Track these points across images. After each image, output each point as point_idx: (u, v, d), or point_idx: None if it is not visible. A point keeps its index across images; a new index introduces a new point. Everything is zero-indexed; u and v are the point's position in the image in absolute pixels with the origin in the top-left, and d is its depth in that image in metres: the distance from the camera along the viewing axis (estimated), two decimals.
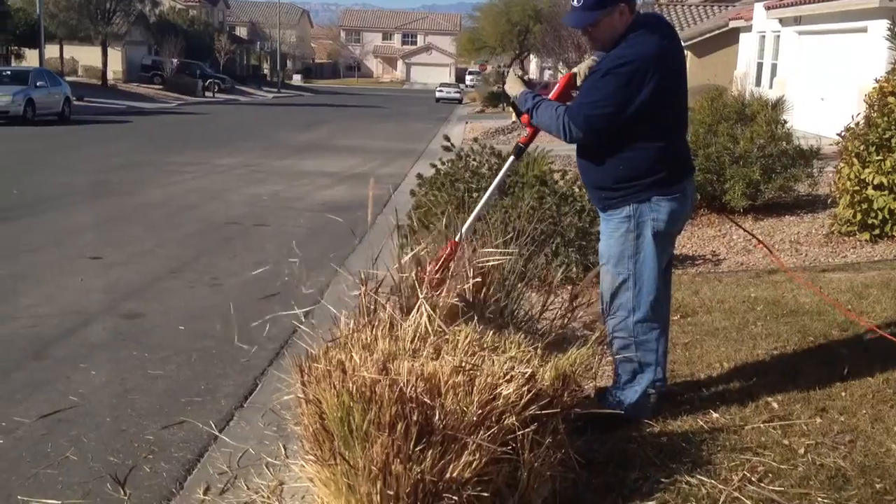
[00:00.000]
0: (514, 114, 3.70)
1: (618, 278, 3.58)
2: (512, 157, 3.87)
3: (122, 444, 3.92)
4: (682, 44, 3.69)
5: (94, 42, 42.92)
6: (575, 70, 3.76)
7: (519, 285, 4.58)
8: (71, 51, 45.44)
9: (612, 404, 3.65)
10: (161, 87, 47.56)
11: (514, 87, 3.69)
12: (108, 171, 14.24)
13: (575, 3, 3.49)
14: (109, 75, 44.94)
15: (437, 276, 3.52)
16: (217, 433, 4.02)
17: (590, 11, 3.44)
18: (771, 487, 3.08)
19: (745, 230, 4.30)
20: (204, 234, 9.18)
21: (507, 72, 3.70)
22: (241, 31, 78.03)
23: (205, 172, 14.70)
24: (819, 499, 3.00)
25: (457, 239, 3.73)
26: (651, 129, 3.42)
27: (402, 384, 2.86)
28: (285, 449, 3.78)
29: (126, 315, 6.04)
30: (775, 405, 3.76)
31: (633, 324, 3.60)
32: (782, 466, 3.21)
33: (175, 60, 49.73)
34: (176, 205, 11.11)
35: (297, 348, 3.88)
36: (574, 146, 3.64)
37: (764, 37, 23.60)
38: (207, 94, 49.03)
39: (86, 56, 46.07)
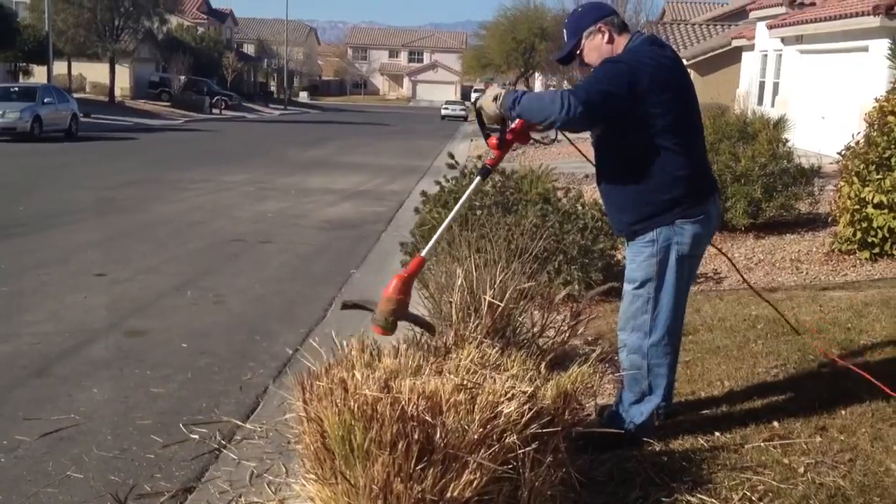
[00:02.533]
0: (483, 134, 3.62)
1: (637, 300, 3.58)
2: (478, 178, 3.80)
3: (124, 462, 3.93)
4: (686, 62, 3.75)
5: (102, 59, 43.15)
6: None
7: (521, 303, 4.61)
8: (79, 67, 45.70)
9: (616, 424, 3.65)
10: (168, 104, 47.80)
11: (491, 92, 3.56)
12: (114, 188, 14.31)
13: (564, 37, 3.62)
14: (117, 92, 45.17)
15: (399, 295, 3.42)
16: (219, 451, 4.03)
17: (571, 41, 3.59)
18: None
19: (714, 246, 4.33)
20: (209, 251, 9.22)
21: (482, 89, 3.62)
22: (249, 49, 78.42)
23: (211, 189, 14.77)
24: None
25: (423, 254, 3.70)
26: (668, 145, 3.40)
27: (403, 402, 2.88)
28: (286, 468, 3.79)
29: (129, 332, 6.07)
30: (775, 424, 3.77)
31: (648, 346, 3.60)
32: (782, 485, 3.21)
33: (182, 77, 49.98)
34: (181, 222, 11.16)
35: (299, 366, 3.89)
36: (592, 170, 3.65)
37: (766, 56, 23.68)
38: (214, 111, 49.28)
39: (94, 73, 46.33)
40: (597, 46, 3.54)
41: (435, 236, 3.87)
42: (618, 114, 3.36)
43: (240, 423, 4.41)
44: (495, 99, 3.48)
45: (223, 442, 4.16)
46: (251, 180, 16.43)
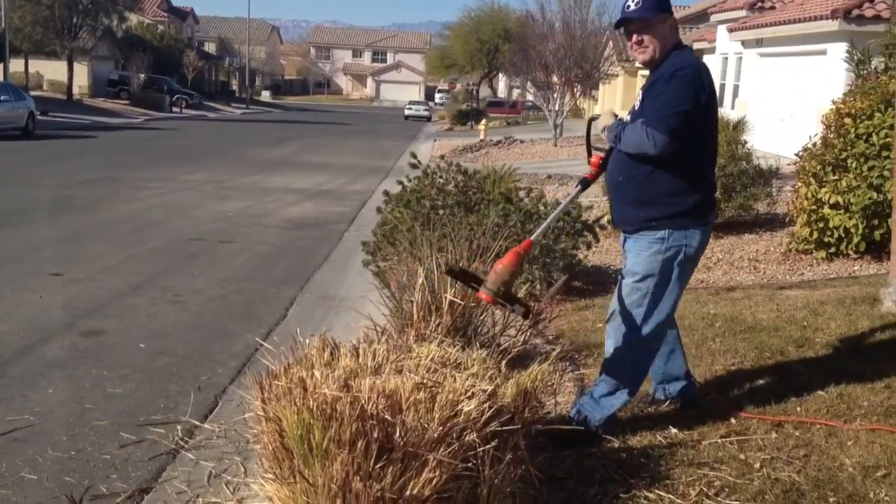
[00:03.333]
0: (587, 149, 3.89)
1: (635, 293, 3.62)
2: (578, 188, 3.96)
3: (79, 463, 3.87)
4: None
5: (61, 57, 42.50)
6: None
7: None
8: (36, 65, 44.97)
9: (581, 417, 3.68)
10: (128, 102, 47.20)
11: (605, 119, 3.73)
12: (72, 187, 14.11)
13: (632, 4, 3.58)
14: (75, 90, 44.52)
15: (512, 267, 3.51)
16: (176, 452, 3.99)
17: (650, 11, 3.55)
18: (727, 502, 3.12)
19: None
20: (168, 251, 9.12)
21: (598, 115, 3.79)
22: (210, 47, 77.78)
23: (171, 188, 14.62)
24: None
25: (532, 238, 3.78)
26: (696, 144, 3.51)
27: (363, 401, 2.86)
28: (245, 468, 3.76)
29: (85, 332, 5.98)
30: (732, 420, 3.81)
31: (636, 342, 3.63)
32: (738, 481, 3.25)
33: (142, 75, 49.40)
34: (140, 221, 11.03)
35: (259, 366, 3.86)
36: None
37: (727, 58, 23.97)
38: (175, 109, 48.76)
39: (51, 70, 45.61)
40: (664, 35, 3.58)
41: (543, 225, 4.10)
42: (690, 125, 3.45)
43: (198, 423, 4.36)
44: (604, 129, 3.67)
45: (181, 442, 4.11)
46: (211, 179, 16.28)
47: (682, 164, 3.50)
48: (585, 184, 3.91)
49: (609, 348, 3.73)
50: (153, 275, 7.91)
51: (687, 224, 3.55)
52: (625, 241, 3.74)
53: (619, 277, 3.74)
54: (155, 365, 5.32)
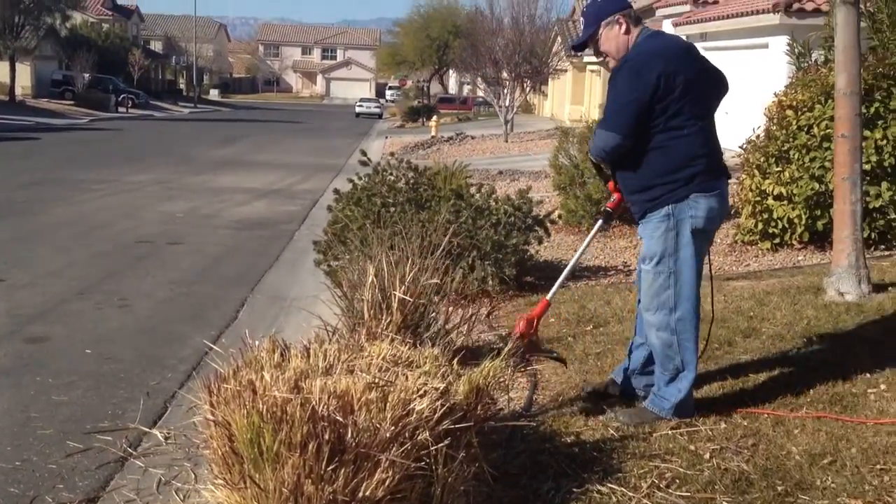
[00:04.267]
0: (602, 180, 4.04)
1: (659, 277, 3.67)
2: (599, 222, 4.05)
3: (24, 474, 3.78)
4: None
5: (3, 57, 41.57)
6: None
7: (434, 299, 4.61)
8: None
9: (659, 406, 3.75)
10: (72, 102, 46.31)
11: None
12: (14, 190, 13.80)
13: (580, 31, 3.85)
14: (18, 91, 43.55)
15: (532, 332, 3.94)
16: (125, 459, 3.92)
17: (588, 29, 3.80)
18: (678, 493, 3.15)
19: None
20: (114, 254, 8.96)
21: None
22: (157, 46, 76.61)
23: (116, 190, 14.38)
24: (724, 503, 3.08)
25: (548, 298, 4.06)
26: (682, 122, 3.58)
27: (314, 403, 2.84)
28: (195, 474, 3.70)
29: (30, 339, 5.85)
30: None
31: (676, 321, 3.67)
32: (689, 472, 3.28)
33: (87, 75, 48.50)
34: (85, 224, 10.83)
35: (208, 370, 3.81)
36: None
37: None
38: (121, 109, 47.97)
39: None
40: (614, 36, 3.74)
41: (559, 279, 4.24)
42: (647, 115, 3.55)
43: (146, 429, 4.29)
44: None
45: (129, 449, 4.04)
46: (159, 180, 16.05)
47: (671, 142, 3.59)
48: (607, 216, 4.02)
49: (651, 338, 3.77)
50: (99, 279, 7.77)
51: (687, 194, 3.60)
52: (641, 233, 3.85)
53: (637, 269, 3.87)
54: (102, 371, 5.22)
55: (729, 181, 3.88)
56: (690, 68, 3.65)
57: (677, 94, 3.55)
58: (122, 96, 49.69)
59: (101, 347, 5.69)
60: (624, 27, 3.73)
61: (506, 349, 3.72)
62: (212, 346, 4.56)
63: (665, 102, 3.54)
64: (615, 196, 3.91)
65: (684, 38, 21.82)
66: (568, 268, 4.22)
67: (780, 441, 3.52)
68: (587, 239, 4.21)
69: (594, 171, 4.04)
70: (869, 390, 3.98)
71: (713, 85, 3.81)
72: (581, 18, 3.99)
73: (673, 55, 3.65)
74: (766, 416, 3.76)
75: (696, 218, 3.61)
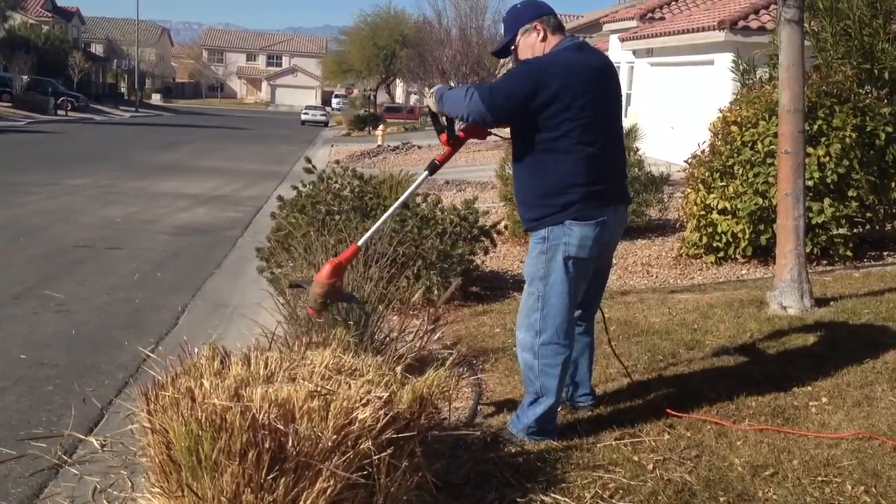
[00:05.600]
0: (436, 130, 3.79)
1: (529, 298, 3.64)
2: (425, 173, 3.85)
3: None
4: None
5: None
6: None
7: (380, 308, 4.56)
8: None
9: (515, 426, 3.70)
10: (10, 104, 45.18)
11: (435, 90, 3.73)
12: None
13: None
14: None
15: (330, 279, 3.59)
16: (59, 467, 3.80)
17: (507, 35, 3.76)
18: (622, 503, 3.15)
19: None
20: (51, 258, 8.73)
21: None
22: (98, 49, 75.24)
23: (54, 193, 14.04)
24: None
25: (359, 244, 3.81)
26: (568, 145, 3.47)
27: (254, 411, 2.77)
28: (132, 482, 3.60)
29: None
30: (626, 422, 3.85)
31: (539, 345, 3.61)
32: (632, 482, 3.28)
33: (25, 77, 47.42)
34: (21, 227, 10.54)
35: (147, 377, 3.71)
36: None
37: (619, 67, 24.54)
38: (60, 112, 46.94)
39: None
40: (531, 44, 3.67)
41: (373, 227, 4.01)
42: (521, 114, 3.47)
43: (82, 436, 4.16)
44: (432, 97, 3.68)
45: (64, 457, 3.91)
46: (98, 184, 15.72)
47: (552, 165, 3.50)
48: (433, 167, 3.82)
49: (518, 356, 3.74)
50: (34, 283, 7.55)
51: (563, 219, 3.51)
52: None
53: None
54: (36, 377, 5.07)
55: (627, 206, 3.82)
56: (595, 90, 3.52)
57: (570, 115, 3.44)
58: (61, 99, 48.66)
59: (37, 353, 5.53)
60: (541, 34, 3.65)
61: (450, 359, 3.69)
62: (149, 353, 4.46)
63: (554, 119, 3.44)
64: (446, 149, 3.76)
65: (631, 53, 22.18)
66: (387, 213, 4.06)
67: (722, 452, 3.54)
68: (411, 188, 4.10)
69: (430, 118, 3.89)
70: (811, 403, 4.03)
71: (615, 105, 3.72)
72: (501, 24, 3.93)
73: (580, 72, 3.50)
74: (709, 427, 3.78)
75: (569, 245, 3.52)
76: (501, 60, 30.64)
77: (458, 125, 3.73)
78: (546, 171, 3.52)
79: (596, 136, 3.53)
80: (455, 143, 3.74)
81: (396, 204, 4.09)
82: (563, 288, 3.56)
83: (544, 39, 3.65)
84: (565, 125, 3.44)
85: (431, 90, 3.74)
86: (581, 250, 3.54)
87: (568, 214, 3.50)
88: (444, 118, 3.70)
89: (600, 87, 3.58)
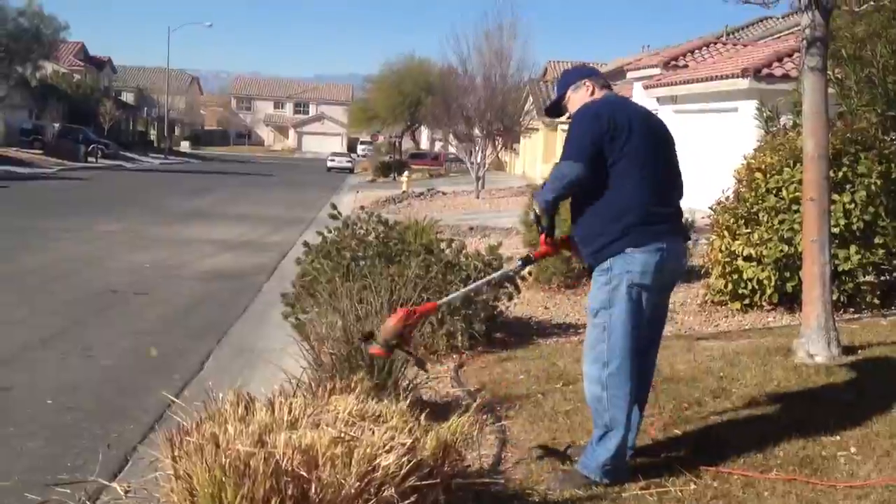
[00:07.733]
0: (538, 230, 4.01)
1: (595, 329, 3.68)
2: (520, 262, 4.15)
3: None
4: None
5: None
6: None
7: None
8: None
9: (586, 467, 3.69)
10: (42, 151, 45.95)
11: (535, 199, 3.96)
12: None
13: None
14: None
15: (400, 324, 3.75)
16: None
17: (558, 92, 4.05)
18: None
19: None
20: (79, 303, 8.83)
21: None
22: (129, 97, 76.56)
23: (84, 239, 14.22)
24: None
25: (438, 303, 4.16)
26: (624, 167, 3.62)
27: (277, 457, 2.78)
28: None
29: None
30: (651, 471, 3.81)
31: (606, 376, 3.62)
32: None
33: (57, 125, 48.30)
34: (51, 272, 10.68)
35: (171, 422, 3.73)
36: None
37: None
38: (90, 159, 47.65)
39: None
40: (580, 98, 3.91)
41: (460, 293, 4.54)
42: (603, 148, 3.61)
43: (106, 482, 4.15)
44: (535, 202, 3.90)
45: (88, 503, 3.92)
46: (127, 230, 15.92)
47: (613, 190, 3.63)
48: (527, 261, 4.10)
49: (585, 390, 3.76)
50: (63, 328, 7.64)
51: (622, 248, 3.60)
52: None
53: None
54: (63, 421, 5.11)
55: (686, 241, 3.94)
56: (646, 123, 3.76)
57: (632, 140, 3.62)
58: (91, 146, 49.46)
59: (64, 397, 5.58)
60: (591, 90, 3.92)
61: (474, 405, 3.68)
62: (174, 398, 4.48)
63: (616, 142, 3.61)
64: (542, 247, 3.93)
65: (655, 100, 22.26)
66: (465, 290, 4.44)
67: (750, 503, 3.49)
68: (500, 272, 4.34)
69: (533, 222, 4.11)
70: (839, 453, 3.97)
71: (663, 141, 3.85)
72: (554, 88, 4.19)
73: (632, 106, 3.85)
74: (736, 477, 3.73)
75: (632, 273, 3.60)
76: (525, 107, 30.89)
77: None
78: (606, 198, 3.65)
79: (654, 160, 3.71)
80: (552, 246, 3.93)
81: (488, 279, 4.63)
82: (628, 317, 3.61)
83: (593, 94, 3.91)
84: (627, 147, 3.61)
85: (534, 198, 3.96)
86: (644, 276, 3.61)
87: (628, 241, 3.60)
88: (544, 220, 3.87)
89: (647, 123, 3.79)
